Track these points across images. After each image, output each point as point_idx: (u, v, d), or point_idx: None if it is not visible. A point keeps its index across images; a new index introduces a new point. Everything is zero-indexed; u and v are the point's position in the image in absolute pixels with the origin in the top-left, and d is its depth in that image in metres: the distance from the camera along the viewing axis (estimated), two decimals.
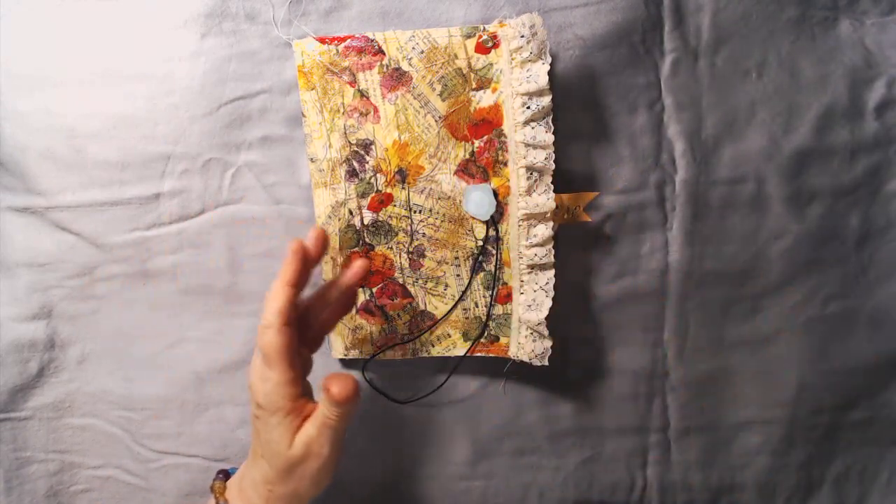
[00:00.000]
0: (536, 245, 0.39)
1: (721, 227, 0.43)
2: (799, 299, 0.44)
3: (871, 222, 0.44)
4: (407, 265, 0.41)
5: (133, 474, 0.45)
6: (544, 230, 0.38)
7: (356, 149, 0.40)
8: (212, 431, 0.44)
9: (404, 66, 0.38)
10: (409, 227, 0.40)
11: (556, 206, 0.38)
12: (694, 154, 0.42)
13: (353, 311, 0.41)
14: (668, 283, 0.43)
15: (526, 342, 0.40)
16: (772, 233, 0.43)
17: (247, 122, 0.42)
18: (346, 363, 0.44)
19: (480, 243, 0.40)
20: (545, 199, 0.38)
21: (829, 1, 0.43)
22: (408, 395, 0.43)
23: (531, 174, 0.38)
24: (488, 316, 0.41)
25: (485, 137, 0.39)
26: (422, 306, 0.41)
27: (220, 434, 0.44)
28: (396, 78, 0.39)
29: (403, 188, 0.40)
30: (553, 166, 0.38)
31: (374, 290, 0.41)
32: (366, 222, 0.40)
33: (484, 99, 0.39)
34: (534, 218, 0.38)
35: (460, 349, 0.42)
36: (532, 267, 0.39)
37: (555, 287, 0.39)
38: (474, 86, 0.39)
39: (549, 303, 0.39)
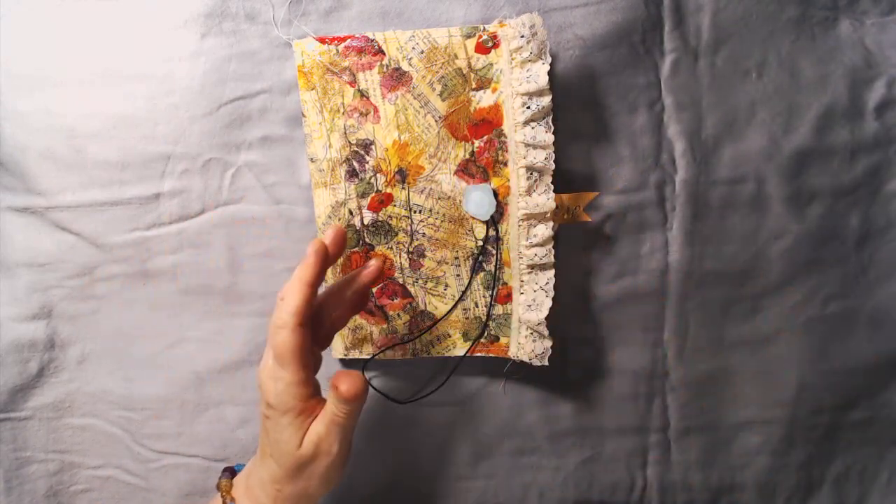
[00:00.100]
0: (536, 245, 0.39)
1: (721, 227, 0.43)
2: (799, 299, 0.44)
3: (871, 222, 0.44)
4: (407, 265, 0.41)
5: (133, 474, 0.45)
6: (544, 230, 0.38)
7: (356, 149, 0.40)
8: (212, 431, 0.44)
9: (404, 66, 0.38)
10: (409, 227, 0.40)
11: (556, 206, 0.38)
12: (694, 154, 0.42)
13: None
14: (668, 283, 0.43)
15: (526, 342, 0.40)
16: (772, 233, 0.43)
17: (247, 122, 0.42)
18: (346, 363, 0.44)
19: (480, 243, 0.40)
20: (545, 199, 0.38)
21: (829, 1, 0.43)
22: (408, 395, 0.43)
23: (531, 174, 0.38)
24: (488, 316, 0.41)
25: (485, 137, 0.39)
26: (422, 306, 0.41)
27: (220, 434, 0.44)
28: (396, 78, 0.39)
29: (403, 188, 0.40)
30: (553, 166, 0.38)
31: (374, 290, 0.41)
32: (366, 222, 0.40)
33: (484, 99, 0.39)
34: (534, 218, 0.38)
35: (460, 349, 0.42)
36: (532, 267, 0.39)
37: (555, 287, 0.39)
38: (474, 86, 0.39)
39: (549, 303, 0.39)
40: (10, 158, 0.42)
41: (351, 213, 0.40)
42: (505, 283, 0.41)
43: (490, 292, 0.41)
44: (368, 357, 0.42)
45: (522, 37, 0.37)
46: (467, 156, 0.39)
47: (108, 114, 0.41)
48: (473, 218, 0.40)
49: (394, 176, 0.40)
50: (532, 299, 0.39)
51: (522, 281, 0.40)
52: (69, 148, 0.41)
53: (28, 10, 0.41)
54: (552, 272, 0.39)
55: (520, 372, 0.43)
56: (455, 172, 0.40)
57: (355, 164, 0.40)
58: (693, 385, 0.44)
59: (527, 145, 0.38)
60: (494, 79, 0.39)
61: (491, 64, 0.38)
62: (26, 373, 0.43)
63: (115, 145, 0.42)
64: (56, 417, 0.44)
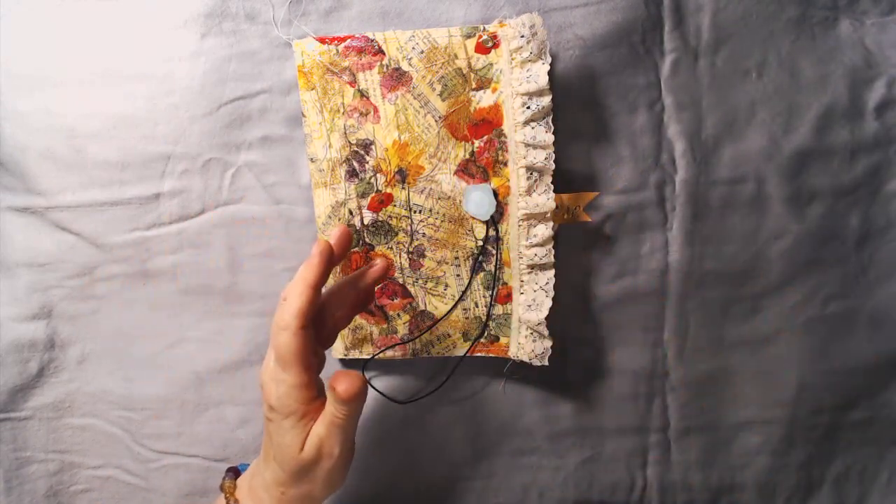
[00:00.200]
0: (536, 245, 0.39)
1: (721, 227, 0.43)
2: (799, 299, 0.44)
3: (871, 222, 0.44)
4: (407, 265, 0.41)
5: (133, 474, 0.45)
6: (544, 230, 0.38)
7: (356, 149, 0.40)
8: (212, 431, 0.44)
9: (404, 66, 0.38)
10: (409, 227, 0.40)
11: (556, 206, 0.38)
12: (694, 154, 0.42)
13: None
14: (668, 283, 0.43)
15: (526, 342, 0.40)
16: (772, 233, 0.43)
17: (247, 122, 0.42)
18: (346, 363, 0.44)
19: (480, 243, 0.40)
20: (545, 199, 0.38)
21: (829, 1, 0.43)
22: (408, 395, 0.43)
23: (531, 174, 0.38)
24: (488, 316, 0.41)
25: (485, 137, 0.39)
26: (422, 306, 0.41)
27: (220, 434, 0.44)
28: (396, 78, 0.39)
29: (403, 188, 0.40)
30: (553, 166, 0.38)
31: (375, 289, 0.41)
32: (366, 222, 0.40)
33: (484, 99, 0.39)
34: (534, 218, 0.38)
35: (460, 349, 0.42)
36: (532, 267, 0.39)
37: (555, 287, 0.39)
38: (474, 86, 0.39)
39: (549, 303, 0.39)
40: (10, 158, 0.42)
41: (351, 213, 0.40)
42: (505, 283, 0.41)
43: (490, 292, 0.41)
44: (368, 357, 0.42)
45: (522, 37, 0.37)
46: (467, 156, 0.39)
47: (108, 114, 0.41)
48: (473, 218, 0.40)
49: (394, 176, 0.40)
50: (532, 299, 0.39)
51: (522, 281, 0.40)
52: (69, 148, 0.41)
53: (28, 10, 0.41)
54: (552, 272, 0.39)
55: (520, 372, 0.43)
56: (455, 172, 0.40)
57: (355, 164, 0.40)
58: (693, 385, 0.44)
59: (527, 145, 0.38)
60: (494, 79, 0.39)
61: (491, 64, 0.38)
62: (26, 373, 0.43)
63: (115, 145, 0.42)
64: (56, 417, 0.44)
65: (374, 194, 0.40)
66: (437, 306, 0.41)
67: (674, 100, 0.42)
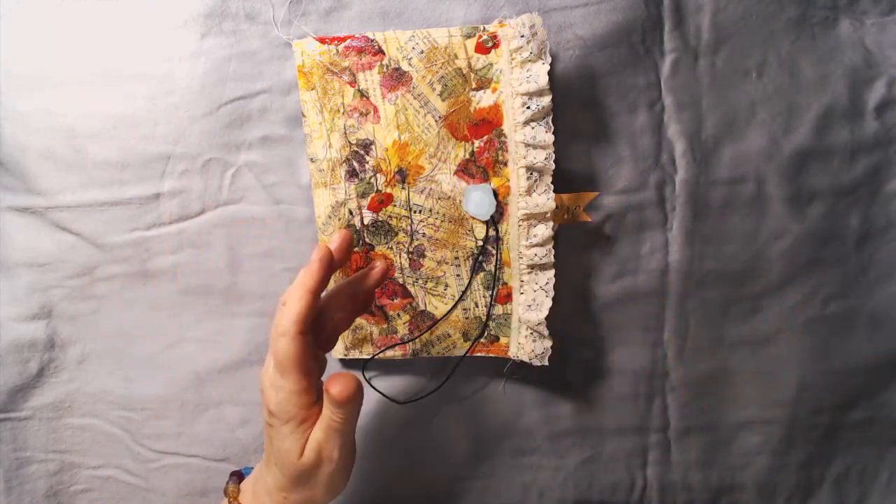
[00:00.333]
0: (536, 245, 0.39)
1: (721, 227, 0.43)
2: (799, 299, 0.44)
3: (871, 222, 0.44)
4: (407, 265, 0.41)
5: (133, 474, 0.45)
6: (544, 230, 0.38)
7: (356, 149, 0.40)
8: (212, 431, 0.44)
9: (404, 66, 0.38)
10: (409, 227, 0.40)
11: (556, 206, 0.38)
12: (694, 154, 0.42)
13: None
14: (668, 283, 0.43)
15: (526, 342, 0.40)
16: (772, 233, 0.43)
17: (247, 122, 0.42)
18: (346, 363, 0.44)
19: (480, 243, 0.40)
20: (545, 199, 0.38)
21: (829, 1, 0.43)
22: (408, 395, 0.43)
23: (531, 174, 0.38)
24: (488, 316, 0.41)
25: (485, 137, 0.39)
26: (422, 306, 0.41)
27: (220, 434, 0.44)
28: (396, 78, 0.39)
29: (403, 188, 0.40)
30: (553, 166, 0.38)
31: (375, 292, 0.41)
32: (366, 222, 0.40)
33: (484, 99, 0.39)
34: (534, 218, 0.38)
35: (460, 349, 0.42)
36: (532, 267, 0.39)
37: (555, 287, 0.39)
38: (474, 86, 0.39)
39: (549, 303, 0.39)
40: (10, 158, 0.42)
41: (351, 213, 0.40)
42: (505, 283, 0.41)
43: (490, 292, 0.41)
44: (368, 357, 0.42)
45: (522, 37, 0.37)
46: (467, 156, 0.39)
47: (108, 114, 0.41)
48: (473, 218, 0.40)
49: (394, 176, 0.40)
50: (532, 299, 0.39)
51: (522, 281, 0.40)
52: (69, 148, 0.41)
53: (28, 10, 0.41)
54: (552, 272, 0.39)
55: (520, 372, 0.43)
56: (455, 172, 0.40)
57: (355, 164, 0.40)
58: (693, 385, 0.44)
59: (527, 145, 0.38)
60: (494, 79, 0.39)
61: (491, 64, 0.38)
62: (26, 373, 0.43)
63: (115, 145, 0.42)
64: (56, 417, 0.44)
65: (374, 194, 0.40)
66: (437, 306, 0.41)
67: (674, 100, 0.42)
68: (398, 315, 0.42)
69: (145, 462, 0.44)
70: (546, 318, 0.39)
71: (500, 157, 0.39)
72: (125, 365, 0.44)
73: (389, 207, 0.40)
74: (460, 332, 0.42)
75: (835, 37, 0.43)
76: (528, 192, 0.38)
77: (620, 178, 0.42)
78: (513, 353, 0.41)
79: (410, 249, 0.41)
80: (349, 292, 0.35)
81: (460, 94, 0.39)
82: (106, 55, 0.41)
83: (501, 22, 0.38)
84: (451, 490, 0.45)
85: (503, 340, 0.42)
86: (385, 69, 0.39)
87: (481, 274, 0.41)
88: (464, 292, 0.41)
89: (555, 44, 0.41)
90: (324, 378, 0.34)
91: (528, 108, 0.37)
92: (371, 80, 0.39)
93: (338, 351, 0.42)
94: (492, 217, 0.39)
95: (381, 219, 0.40)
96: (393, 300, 0.41)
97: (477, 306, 0.41)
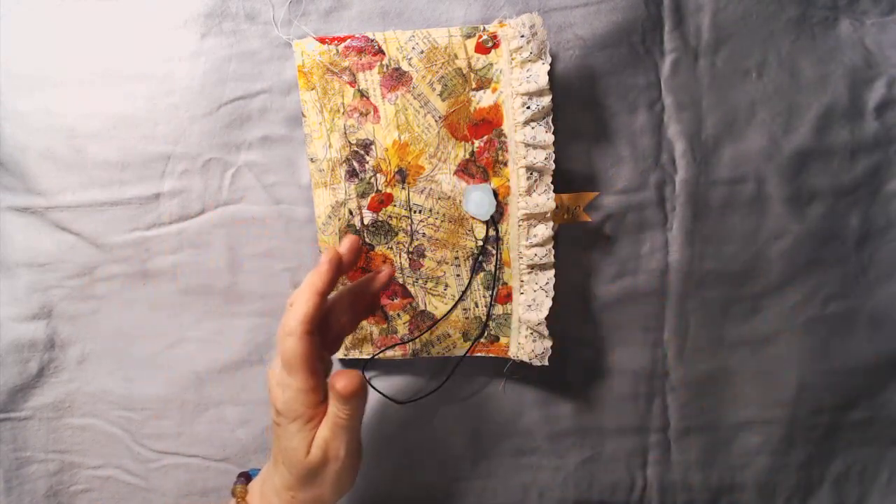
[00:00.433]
0: (536, 245, 0.39)
1: (721, 227, 0.43)
2: (799, 299, 0.44)
3: (871, 222, 0.44)
4: (407, 265, 0.41)
5: (133, 474, 0.45)
6: (544, 230, 0.38)
7: (356, 149, 0.40)
8: (212, 431, 0.44)
9: (404, 66, 0.38)
10: (409, 227, 0.40)
11: (556, 206, 0.38)
12: (694, 154, 0.42)
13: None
14: (668, 283, 0.43)
15: (526, 342, 0.40)
16: (772, 233, 0.43)
17: (247, 122, 0.42)
18: (347, 363, 0.44)
19: (480, 243, 0.40)
20: (545, 199, 0.38)
21: (829, 1, 0.43)
22: (408, 395, 0.43)
23: (531, 174, 0.38)
24: (488, 316, 0.41)
25: (485, 137, 0.39)
26: (422, 306, 0.41)
27: (220, 434, 0.44)
28: (396, 78, 0.39)
29: (403, 188, 0.40)
30: (553, 166, 0.38)
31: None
32: (366, 222, 0.40)
33: (484, 99, 0.39)
34: (534, 218, 0.38)
35: (460, 349, 0.42)
36: (532, 267, 0.39)
37: (555, 287, 0.39)
38: (474, 86, 0.39)
39: (549, 303, 0.39)
40: (10, 158, 0.42)
41: (351, 213, 0.40)
42: (505, 283, 0.41)
43: (490, 292, 0.41)
44: (368, 357, 0.42)
45: (522, 37, 0.37)
46: (467, 156, 0.39)
47: (108, 114, 0.41)
48: (473, 218, 0.40)
49: (394, 176, 0.40)
50: (532, 299, 0.39)
51: (522, 281, 0.40)
52: (69, 148, 0.41)
53: (28, 10, 0.41)
54: (552, 272, 0.39)
55: (520, 372, 0.43)
56: (455, 172, 0.40)
57: (355, 164, 0.40)
58: (693, 385, 0.44)
59: (527, 145, 0.38)
60: (494, 79, 0.39)
61: (491, 64, 0.38)
62: (26, 373, 0.43)
63: (115, 145, 0.42)
64: (56, 417, 0.44)
65: (374, 194, 0.40)
66: (437, 306, 0.41)
67: (674, 100, 0.42)
68: (398, 315, 0.42)
69: (145, 462, 0.44)
70: (546, 318, 0.39)
71: (500, 157, 0.39)
72: (125, 365, 0.44)
73: (389, 207, 0.40)
74: (460, 332, 0.42)
75: (835, 37, 0.43)
76: (528, 192, 0.38)
77: (620, 178, 0.42)
78: (513, 353, 0.41)
79: (410, 249, 0.41)
80: (355, 296, 0.36)
81: (460, 94, 0.39)
82: (106, 55, 0.41)
83: (501, 22, 0.38)
84: (450, 490, 0.45)
85: (503, 340, 0.42)
86: (385, 69, 0.39)
87: (481, 274, 0.41)
88: (464, 292, 0.41)
89: (555, 44, 0.41)
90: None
91: (528, 108, 0.37)
92: (371, 80, 0.39)
93: (338, 351, 0.42)
94: (492, 217, 0.39)
95: (381, 219, 0.40)
96: (393, 300, 0.41)
97: (477, 306, 0.41)
